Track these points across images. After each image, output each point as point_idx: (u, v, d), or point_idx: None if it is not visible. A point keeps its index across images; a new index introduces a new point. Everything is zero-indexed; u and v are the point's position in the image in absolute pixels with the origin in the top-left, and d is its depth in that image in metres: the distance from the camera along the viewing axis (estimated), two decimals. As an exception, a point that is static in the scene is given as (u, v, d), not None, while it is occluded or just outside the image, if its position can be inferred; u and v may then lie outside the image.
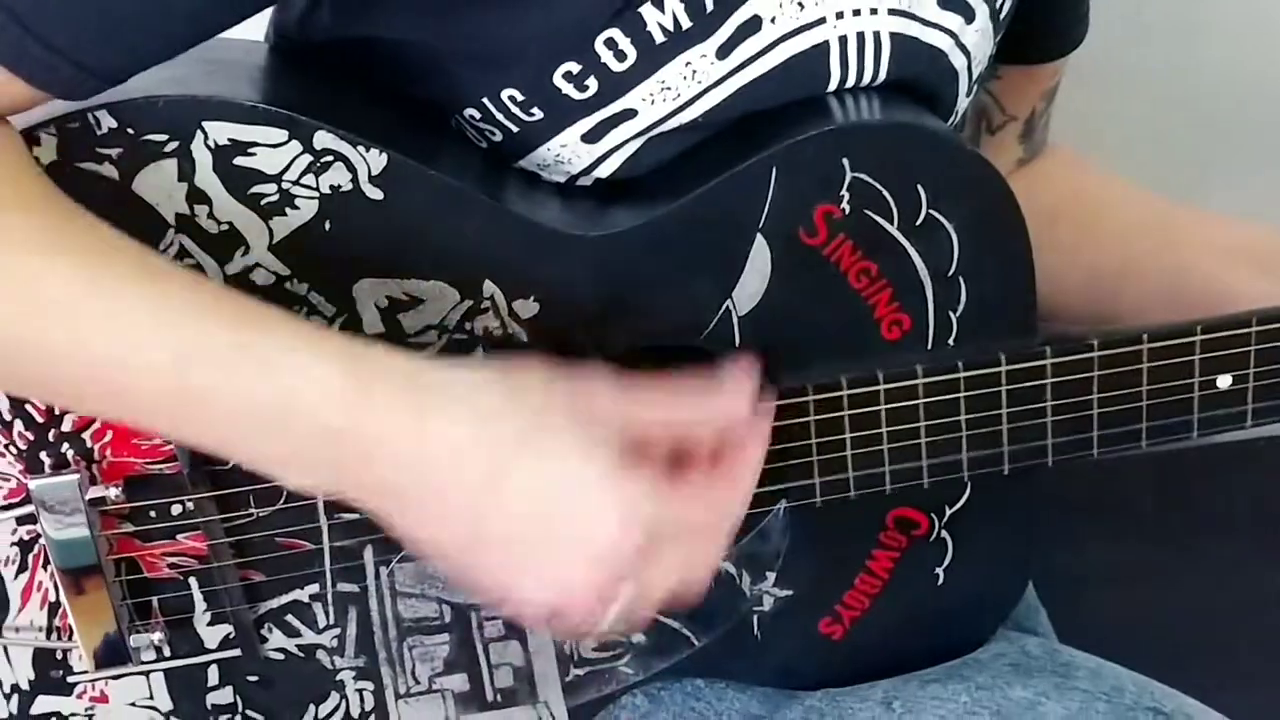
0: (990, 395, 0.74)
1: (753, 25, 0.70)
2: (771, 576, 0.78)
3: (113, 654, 0.73)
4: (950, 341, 0.74)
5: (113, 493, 0.70)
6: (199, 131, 0.66)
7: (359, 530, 0.73)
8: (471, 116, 0.73)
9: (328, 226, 0.68)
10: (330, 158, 0.67)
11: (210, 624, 0.74)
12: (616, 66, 0.70)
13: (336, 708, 0.77)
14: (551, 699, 0.78)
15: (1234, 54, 1.35)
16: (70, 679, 0.74)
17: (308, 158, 0.67)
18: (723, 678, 0.81)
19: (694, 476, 0.65)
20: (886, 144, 0.71)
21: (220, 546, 0.72)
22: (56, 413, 0.69)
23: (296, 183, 0.67)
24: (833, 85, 0.73)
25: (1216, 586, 1.29)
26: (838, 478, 0.75)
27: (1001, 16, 0.78)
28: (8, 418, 0.69)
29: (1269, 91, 1.35)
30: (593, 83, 0.70)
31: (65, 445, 0.70)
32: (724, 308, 0.72)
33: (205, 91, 0.67)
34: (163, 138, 0.66)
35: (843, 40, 0.71)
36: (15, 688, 0.74)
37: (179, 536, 0.72)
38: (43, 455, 0.70)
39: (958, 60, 0.75)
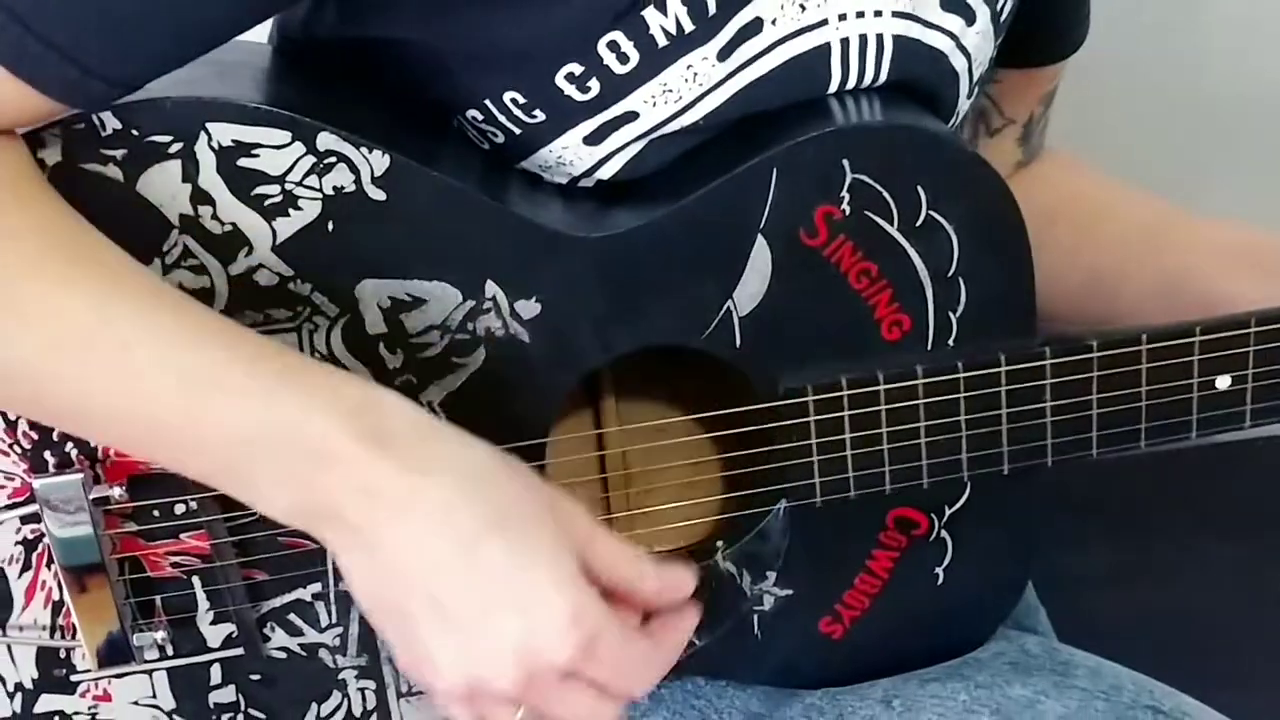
0: (990, 395, 0.74)
1: (754, 27, 0.70)
2: (772, 576, 0.78)
3: (115, 652, 0.73)
4: (950, 342, 0.74)
5: (116, 492, 0.70)
6: (203, 133, 0.66)
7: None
8: (473, 118, 0.73)
9: (331, 227, 0.68)
10: (333, 159, 0.67)
11: (213, 623, 0.74)
12: (619, 69, 0.70)
13: (338, 706, 0.77)
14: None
15: (1234, 55, 1.35)
16: (73, 678, 0.74)
17: (311, 159, 0.67)
18: (723, 677, 0.81)
19: (628, 620, 0.65)
20: (886, 145, 0.71)
21: (223, 545, 0.72)
22: (60, 412, 0.70)
23: (300, 184, 0.68)
24: (833, 87, 0.73)
25: (1215, 586, 1.29)
26: (838, 478, 0.75)
27: (1002, 19, 0.78)
28: (12, 417, 0.70)
29: (1269, 92, 1.35)
30: (595, 85, 0.70)
31: (69, 444, 0.70)
32: (725, 308, 0.72)
33: (209, 93, 0.67)
34: (167, 139, 0.66)
35: (844, 42, 0.72)
36: (19, 686, 0.74)
37: (182, 535, 0.72)
38: (47, 454, 0.70)
39: (958, 62, 0.76)
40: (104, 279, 0.63)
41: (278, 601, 0.74)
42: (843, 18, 0.71)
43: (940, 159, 0.72)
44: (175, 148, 0.66)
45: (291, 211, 0.68)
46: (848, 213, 0.71)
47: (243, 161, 0.67)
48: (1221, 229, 0.88)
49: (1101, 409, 0.75)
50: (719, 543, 0.79)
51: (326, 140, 0.67)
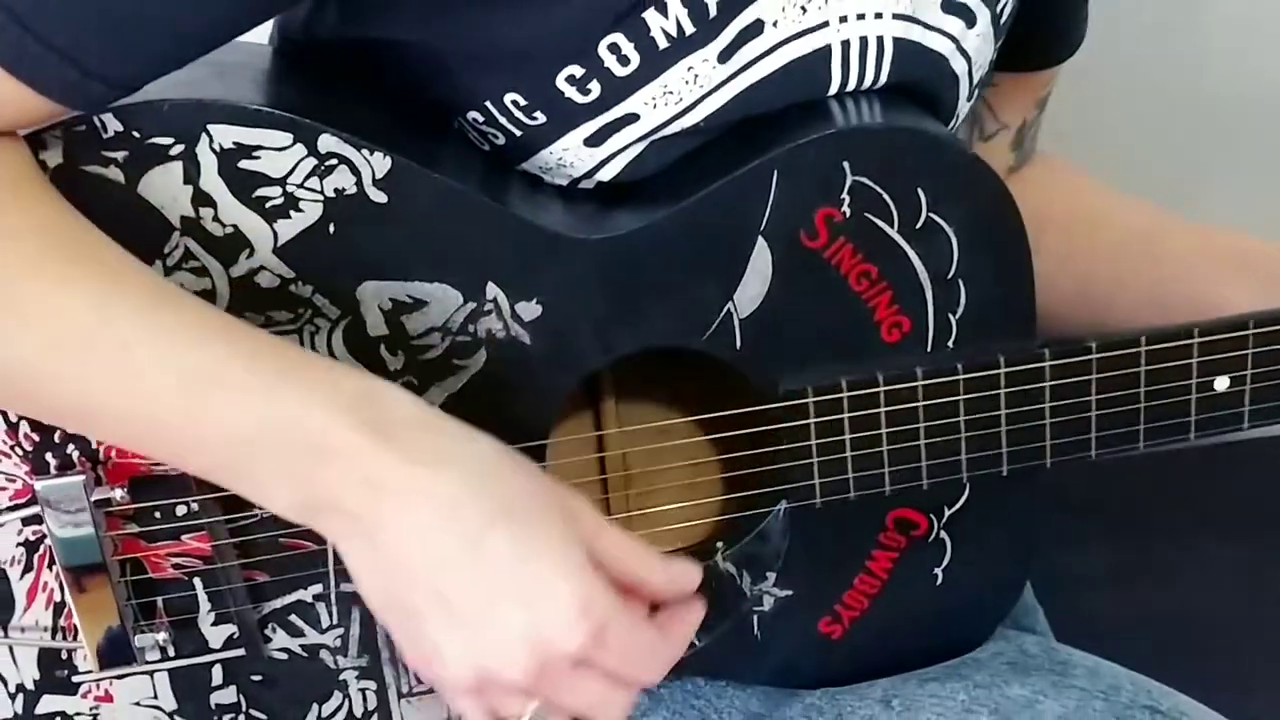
0: (989, 397, 0.74)
1: (755, 29, 0.70)
2: (772, 576, 0.78)
3: (117, 653, 0.73)
4: (950, 343, 0.74)
5: (118, 494, 0.70)
6: (204, 135, 0.66)
7: (362, 531, 0.73)
8: (474, 120, 0.73)
9: (332, 229, 0.68)
10: (334, 161, 0.68)
11: (214, 624, 0.74)
12: (619, 71, 0.70)
13: (339, 707, 0.77)
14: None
15: (1234, 55, 1.35)
16: (75, 678, 0.74)
17: (312, 161, 0.67)
18: (723, 677, 0.81)
19: (636, 611, 0.64)
20: (887, 148, 0.71)
21: (224, 547, 0.72)
22: (62, 414, 0.70)
23: (301, 186, 0.68)
24: (833, 89, 0.73)
25: (1213, 587, 1.29)
26: (838, 479, 0.75)
27: (1001, 21, 0.78)
28: (13, 419, 0.70)
29: (1269, 92, 1.35)
30: (595, 87, 0.70)
31: (70, 446, 0.70)
32: (725, 310, 0.72)
33: (210, 95, 0.67)
34: (168, 141, 0.66)
35: (845, 44, 0.72)
36: (20, 687, 0.74)
37: (183, 537, 0.73)
38: (48, 456, 0.70)
39: (958, 65, 0.76)
40: (104, 278, 0.63)
41: (279, 603, 0.75)
42: (843, 20, 0.71)
43: (940, 161, 0.72)
44: (177, 150, 0.66)
45: (293, 213, 0.68)
46: (848, 215, 0.71)
47: (244, 163, 0.67)
48: (1213, 235, 0.88)
49: (1100, 410, 0.75)
50: (719, 544, 0.79)
51: (328, 142, 0.67)
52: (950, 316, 0.74)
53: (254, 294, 0.69)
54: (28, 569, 0.72)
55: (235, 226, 0.68)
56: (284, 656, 0.76)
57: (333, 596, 0.75)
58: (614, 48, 0.69)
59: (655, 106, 0.71)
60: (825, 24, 0.71)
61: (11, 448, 0.70)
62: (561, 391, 0.73)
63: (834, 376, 0.73)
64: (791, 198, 0.71)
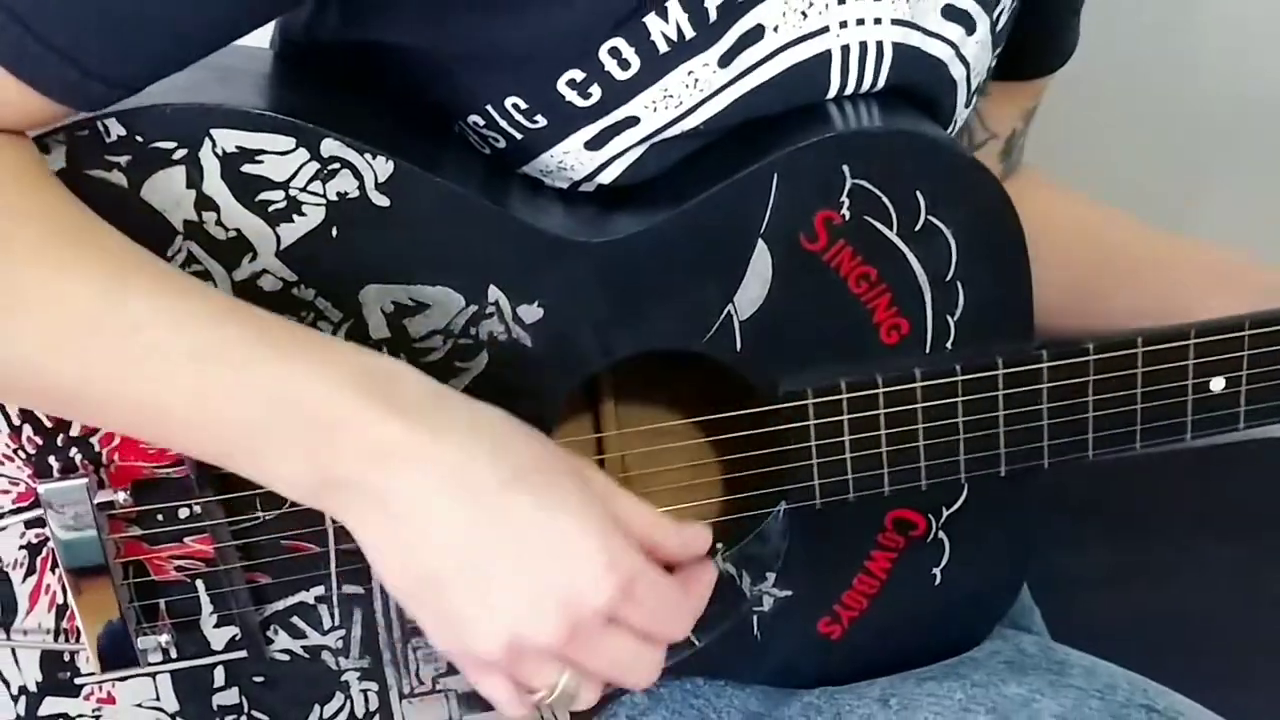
0: (987, 398, 0.75)
1: (755, 34, 0.71)
2: (771, 577, 0.79)
3: (119, 655, 0.74)
4: (948, 345, 0.75)
5: (121, 497, 0.71)
6: (207, 139, 0.67)
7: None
8: (475, 123, 0.73)
9: (334, 233, 0.69)
10: (337, 165, 0.68)
11: (216, 626, 0.75)
12: (620, 75, 0.70)
13: (341, 708, 0.77)
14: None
15: (1232, 57, 1.36)
16: (77, 680, 0.75)
17: (315, 165, 0.68)
18: (722, 676, 0.82)
19: (662, 574, 0.64)
20: (886, 151, 0.71)
21: (227, 549, 0.73)
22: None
23: (304, 190, 0.68)
24: (832, 93, 0.73)
25: (1209, 587, 1.29)
26: (837, 480, 0.75)
27: (999, 29, 0.78)
28: (16, 422, 0.70)
29: (1267, 94, 1.36)
30: (596, 90, 0.71)
31: (73, 450, 0.70)
32: (725, 312, 0.72)
33: (213, 99, 0.67)
34: (171, 145, 0.66)
35: (845, 49, 0.72)
36: (23, 689, 0.74)
37: (186, 539, 0.73)
38: (51, 460, 0.70)
39: (957, 70, 0.76)
40: (108, 264, 0.62)
41: (281, 604, 0.75)
42: (844, 25, 0.72)
43: (939, 164, 0.72)
44: (180, 154, 0.67)
45: (295, 217, 0.68)
46: (847, 218, 0.72)
47: (247, 167, 0.67)
48: (1197, 249, 0.89)
49: (1098, 411, 0.76)
50: (719, 544, 0.79)
51: (330, 146, 0.68)
52: (949, 318, 0.74)
53: (257, 297, 0.69)
54: (30, 571, 0.73)
55: (238, 230, 0.68)
56: (286, 658, 0.76)
57: (334, 598, 0.75)
58: (615, 52, 0.70)
59: (655, 110, 0.72)
60: (825, 29, 0.72)
61: (14, 451, 0.70)
62: (562, 393, 0.74)
63: (833, 378, 0.74)
64: (791, 200, 0.71)
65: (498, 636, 0.60)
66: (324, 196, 0.68)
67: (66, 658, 0.74)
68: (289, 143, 0.67)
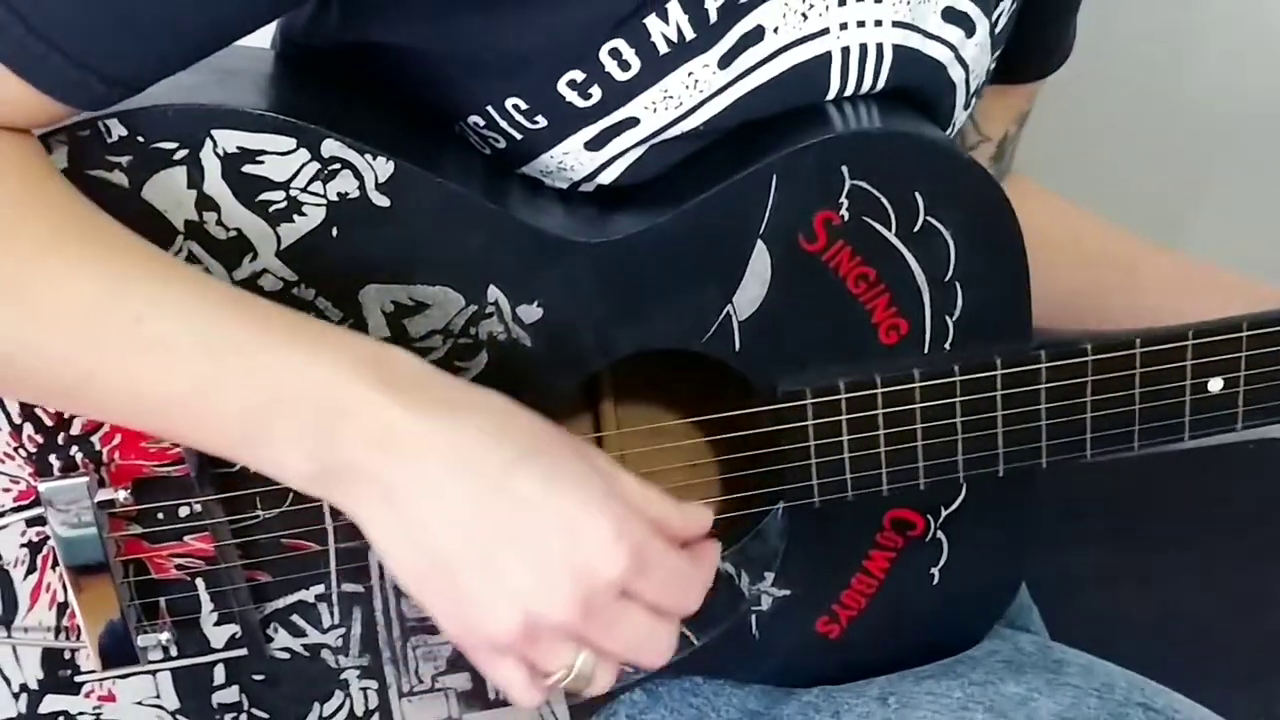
0: (986, 399, 0.75)
1: (755, 35, 0.71)
2: (770, 576, 0.79)
3: (120, 653, 0.74)
4: (946, 346, 0.75)
5: (121, 495, 0.71)
6: (208, 139, 0.67)
7: (364, 532, 0.74)
8: (475, 124, 0.73)
9: (335, 233, 0.69)
10: (338, 165, 0.68)
11: (217, 624, 0.75)
12: (620, 76, 0.70)
13: (341, 706, 0.78)
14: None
15: (1231, 59, 1.36)
16: (78, 678, 0.75)
17: (315, 165, 0.68)
18: (721, 676, 0.82)
19: (671, 545, 0.64)
20: (885, 152, 0.72)
21: (227, 548, 0.73)
22: (66, 416, 0.70)
23: (304, 190, 0.68)
24: (832, 94, 0.74)
25: (1206, 587, 1.30)
26: (835, 479, 0.76)
27: (998, 31, 0.79)
28: (17, 421, 0.70)
29: (1266, 95, 1.36)
30: (596, 91, 0.71)
31: (74, 448, 0.71)
32: (724, 312, 0.73)
33: (214, 100, 0.67)
34: (172, 145, 0.67)
35: (845, 51, 0.72)
36: (24, 687, 0.75)
37: (186, 538, 0.73)
38: (52, 458, 0.71)
39: (956, 73, 0.76)
40: (111, 256, 0.62)
41: (281, 603, 0.75)
42: (844, 27, 0.72)
43: (937, 165, 0.72)
44: (181, 154, 0.67)
45: (296, 217, 0.68)
46: (846, 218, 0.72)
47: (247, 168, 0.67)
48: (1189, 264, 0.89)
49: (1096, 412, 0.76)
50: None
51: (331, 147, 0.68)
52: (947, 319, 0.75)
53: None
54: (31, 569, 0.73)
55: (239, 230, 0.68)
56: (286, 656, 0.76)
57: (334, 596, 0.75)
58: (615, 53, 0.70)
59: (655, 111, 0.72)
60: (825, 30, 0.72)
61: (15, 449, 0.71)
62: (562, 393, 0.74)
63: (832, 378, 0.74)
64: (790, 201, 0.71)
65: (511, 616, 0.59)
66: (324, 197, 0.68)
67: (67, 655, 0.74)
68: (290, 143, 0.67)
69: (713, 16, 0.69)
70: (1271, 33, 1.34)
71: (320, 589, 0.75)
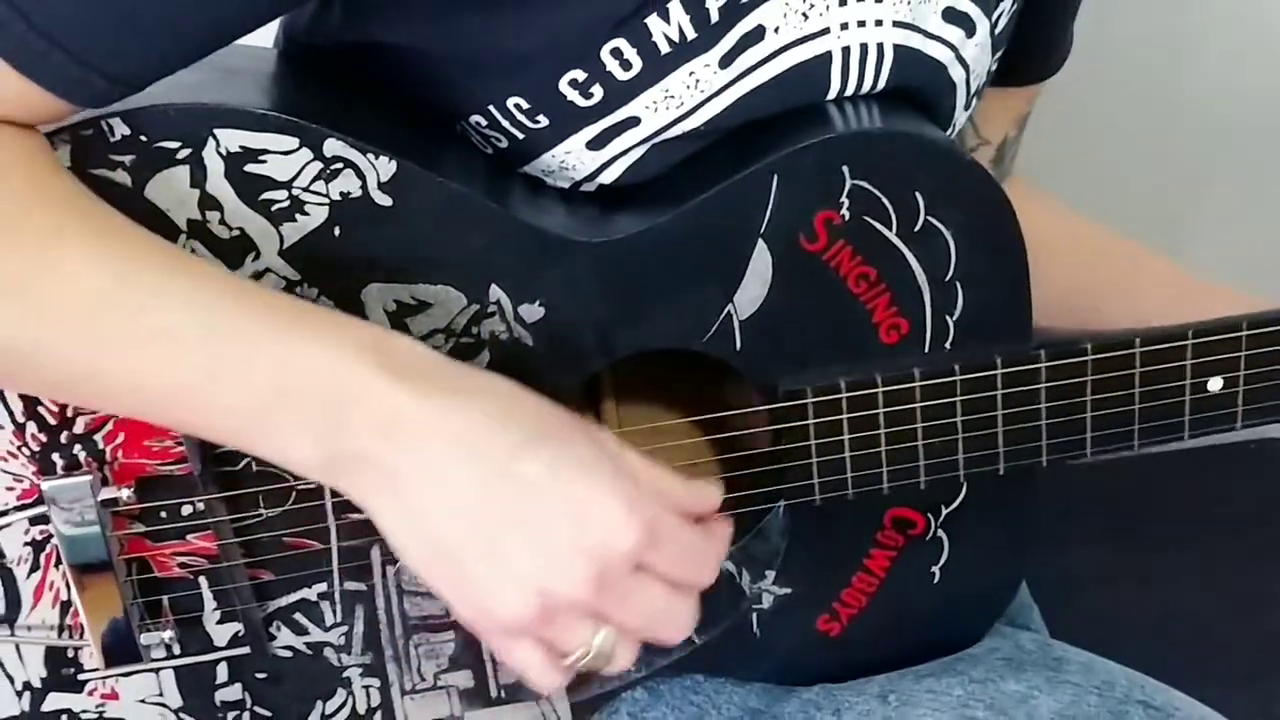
0: (986, 398, 0.75)
1: (756, 35, 0.71)
2: (771, 575, 0.79)
3: (123, 651, 0.74)
4: (947, 345, 0.75)
5: (124, 494, 0.71)
6: (210, 139, 0.67)
7: (367, 530, 0.74)
8: (477, 123, 0.74)
9: (337, 232, 0.69)
10: (340, 165, 0.68)
11: (219, 622, 0.75)
12: (622, 75, 0.71)
13: (343, 704, 0.78)
14: (554, 695, 0.79)
15: (1230, 60, 1.36)
16: (81, 676, 0.75)
17: (318, 165, 0.68)
18: (722, 674, 0.82)
19: (683, 520, 0.64)
20: (885, 152, 0.72)
21: (230, 546, 0.73)
22: (69, 415, 0.70)
23: (307, 189, 0.68)
24: (832, 94, 0.74)
25: (1208, 587, 1.30)
26: (836, 478, 0.76)
27: (998, 32, 0.79)
28: (20, 419, 0.70)
29: (1265, 98, 1.36)
30: (598, 90, 0.71)
31: (77, 447, 0.71)
32: (725, 312, 0.73)
33: (216, 99, 0.67)
34: (175, 145, 0.67)
35: (845, 51, 0.73)
36: (27, 685, 0.75)
37: (189, 536, 0.73)
38: (55, 457, 0.71)
39: (957, 73, 0.76)
40: (115, 246, 0.62)
41: (283, 601, 0.75)
42: (844, 26, 0.72)
43: (938, 165, 0.73)
44: (183, 153, 0.67)
45: (298, 216, 0.69)
46: (847, 218, 0.72)
47: (250, 167, 0.68)
48: (1182, 272, 0.90)
49: (1096, 411, 0.76)
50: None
51: (333, 146, 0.68)
52: (948, 318, 0.75)
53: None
54: (34, 568, 0.73)
55: (241, 229, 0.68)
56: (288, 654, 0.76)
57: (337, 595, 0.75)
58: (616, 52, 0.70)
59: (657, 110, 0.72)
60: (826, 30, 0.72)
61: (18, 448, 0.71)
62: (563, 392, 0.74)
63: (833, 377, 0.74)
64: (791, 201, 0.71)
65: (524, 597, 0.59)
66: (327, 196, 0.68)
67: (70, 654, 0.75)
68: (292, 143, 0.68)
69: (714, 16, 0.70)
70: (1271, 33, 1.34)
71: (323, 587, 0.75)
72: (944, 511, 0.79)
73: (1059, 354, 0.75)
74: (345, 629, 0.76)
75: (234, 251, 0.69)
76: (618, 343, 0.73)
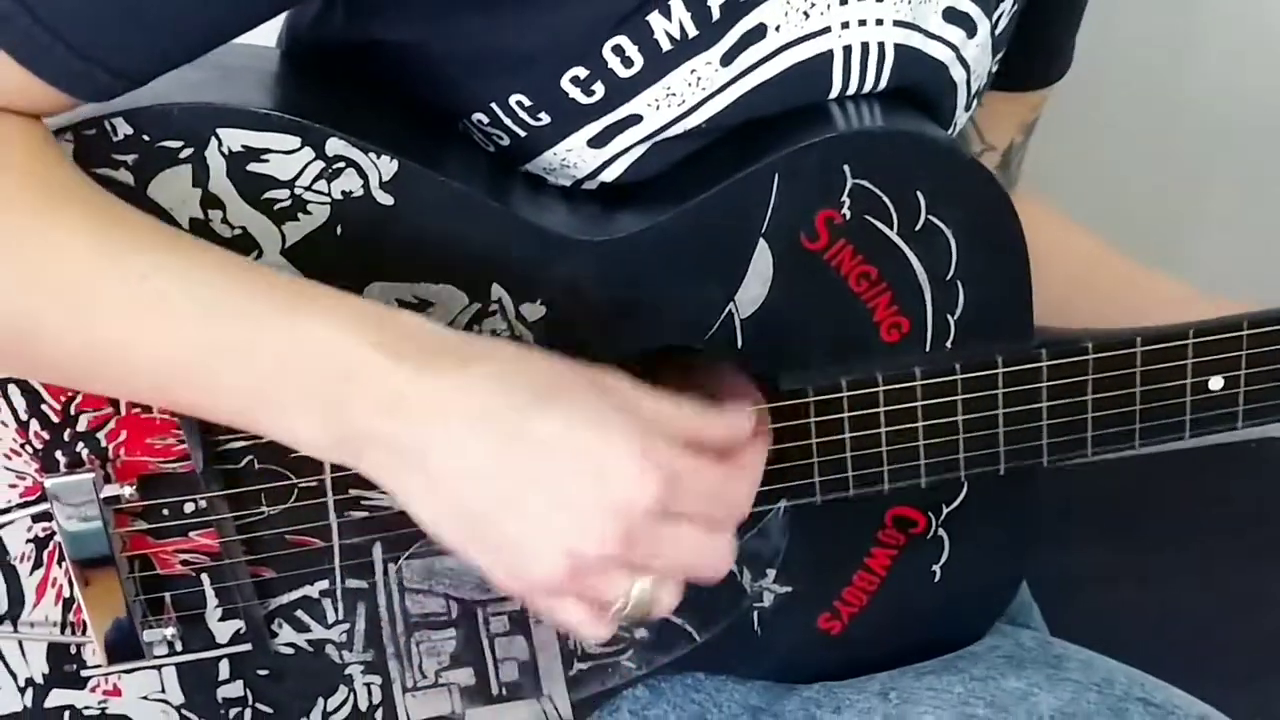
0: (987, 397, 0.75)
1: (757, 33, 0.71)
2: (772, 573, 0.79)
3: (125, 648, 0.74)
4: (948, 344, 0.75)
5: (127, 491, 0.71)
6: (213, 138, 0.67)
7: (368, 527, 0.74)
8: (479, 121, 0.74)
9: (339, 231, 0.69)
10: (342, 164, 0.68)
11: (221, 619, 0.75)
12: (623, 72, 0.71)
13: (344, 701, 0.78)
14: (555, 693, 0.79)
15: (1231, 61, 1.36)
16: (84, 673, 0.75)
17: (320, 164, 0.68)
18: (724, 672, 0.82)
19: (705, 460, 0.63)
20: (886, 151, 0.72)
21: (232, 544, 0.73)
22: (72, 412, 0.71)
23: (309, 189, 0.68)
24: (834, 93, 0.74)
25: (1207, 587, 1.30)
26: (837, 477, 0.76)
27: (998, 33, 0.79)
28: (24, 417, 0.71)
29: (1265, 99, 1.36)
30: (599, 88, 0.71)
31: (80, 444, 0.71)
32: (727, 310, 0.73)
33: (219, 98, 0.68)
34: (177, 144, 0.67)
35: (846, 50, 0.73)
36: (30, 681, 0.75)
37: (191, 534, 0.73)
38: (58, 454, 0.71)
39: (957, 73, 0.77)
40: (111, 222, 0.62)
41: (285, 598, 0.75)
42: (845, 26, 0.72)
43: (939, 164, 0.73)
44: (186, 153, 0.67)
45: (300, 216, 0.69)
46: (848, 217, 0.72)
47: (252, 166, 0.68)
48: (1175, 286, 0.90)
49: (1096, 410, 0.76)
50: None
51: (335, 145, 0.68)
52: (949, 317, 0.75)
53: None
54: (37, 565, 0.73)
55: (244, 228, 0.69)
56: (290, 651, 0.77)
57: (338, 592, 0.76)
58: (618, 49, 0.70)
59: (658, 108, 0.72)
60: (827, 29, 0.72)
61: (21, 445, 0.71)
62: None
63: (834, 376, 0.74)
64: (792, 200, 0.71)
65: (553, 560, 0.59)
66: (329, 195, 0.69)
67: (73, 650, 0.75)
68: (294, 142, 0.68)
69: (715, 14, 0.70)
70: (1271, 33, 1.34)
71: (324, 584, 0.75)
72: (945, 510, 0.79)
73: (1060, 353, 0.75)
74: (347, 626, 0.76)
75: (236, 250, 0.68)
76: (619, 342, 0.73)
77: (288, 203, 0.68)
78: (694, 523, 0.61)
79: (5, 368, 0.69)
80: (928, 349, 0.75)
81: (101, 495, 0.71)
